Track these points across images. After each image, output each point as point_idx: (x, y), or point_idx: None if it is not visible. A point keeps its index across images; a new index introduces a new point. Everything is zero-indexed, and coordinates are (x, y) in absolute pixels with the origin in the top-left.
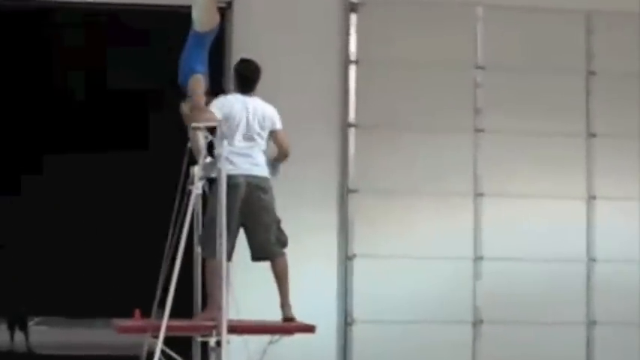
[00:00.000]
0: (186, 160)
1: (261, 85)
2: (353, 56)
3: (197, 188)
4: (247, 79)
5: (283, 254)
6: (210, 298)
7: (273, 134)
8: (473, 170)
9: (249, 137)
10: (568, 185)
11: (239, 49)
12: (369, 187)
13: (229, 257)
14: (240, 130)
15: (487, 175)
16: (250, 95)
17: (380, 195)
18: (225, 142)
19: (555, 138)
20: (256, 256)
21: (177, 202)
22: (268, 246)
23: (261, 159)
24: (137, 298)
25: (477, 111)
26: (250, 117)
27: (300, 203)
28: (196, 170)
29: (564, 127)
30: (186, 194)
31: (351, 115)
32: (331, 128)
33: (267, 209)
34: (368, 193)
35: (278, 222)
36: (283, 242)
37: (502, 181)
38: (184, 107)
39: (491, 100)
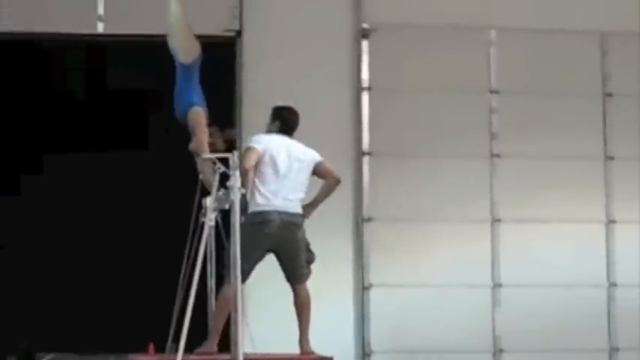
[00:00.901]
0: (199, 191)
1: None
2: (365, 83)
3: (210, 220)
4: (290, 126)
5: (308, 276)
6: (214, 329)
7: (318, 167)
8: (490, 196)
9: (284, 174)
10: (586, 209)
11: (250, 78)
12: (384, 215)
13: (243, 281)
14: (277, 166)
15: (504, 201)
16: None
17: (395, 223)
18: (238, 173)
19: (572, 161)
20: (288, 279)
21: (190, 235)
22: (297, 272)
23: (296, 196)
24: (151, 333)
25: (492, 136)
26: (288, 154)
27: (315, 233)
28: (208, 202)
29: (581, 150)
30: (198, 226)
31: (365, 143)
32: (345, 156)
33: (299, 240)
34: (383, 221)
35: (307, 244)
36: (310, 261)
37: (519, 206)
38: (191, 144)
39: (506, 124)
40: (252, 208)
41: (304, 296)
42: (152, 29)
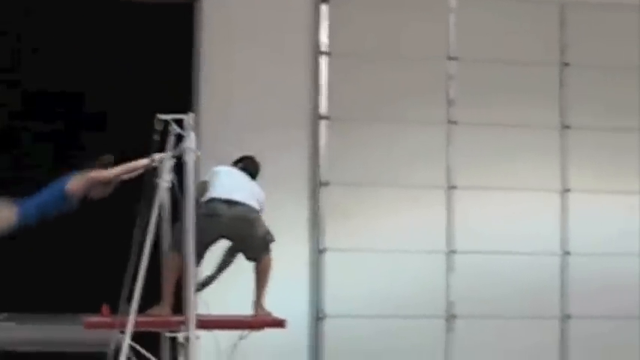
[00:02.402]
0: (153, 152)
1: (231, 79)
2: (324, 48)
3: (165, 181)
4: (250, 172)
5: (267, 254)
6: (165, 294)
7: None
8: (446, 162)
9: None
10: (542, 177)
11: (208, 43)
12: (341, 179)
13: (198, 262)
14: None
15: (460, 168)
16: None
17: (352, 188)
18: (193, 135)
19: (529, 130)
20: (247, 258)
21: (143, 196)
22: (254, 254)
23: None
24: (105, 294)
25: (449, 102)
26: (244, 182)
27: (271, 196)
28: (164, 162)
29: (538, 119)
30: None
31: (322, 107)
32: (302, 121)
33: (254, 236)
34: (339, 185)
35: (265, 234)
36: (269, 242)
37: (475, 173)
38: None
39: (464, 91)
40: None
41: (264, 265)
42: None
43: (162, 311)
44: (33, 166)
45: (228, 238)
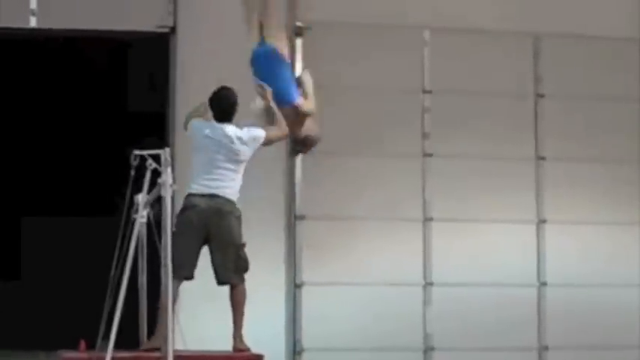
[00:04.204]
0: (129, 187)
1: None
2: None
3: (141, 217)
4: (225, 111)
5: (240, 282)
6: (158, 326)
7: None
8: (422, 195)
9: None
10: (518, 209)
11: (184, 75)
12: (317, 213)
13: (191, 275)
14: (217, 153)
15: (436, 200)
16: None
17: (328, 221)
18: (169, 170)
19: (504, 162)
20: (218, 280)
21: (121, 231)
22: (224, 272)
23: (232, 184)
24: (81, 330)
25: (424, 135)
26: (229, 142)
27: (247, 230)
28: (140, 198)
29: (513, 150)
30: (130, 223)
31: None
32: (277, 154)
33: (228, 232)
34: (315, 219)
35: (238, 247)
36: (242, 269)
37: (451, 205)
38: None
39: (439, 124)
40: None
41: (238, 296)
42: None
43: (156, 343)
44: None
45: (205, 233)
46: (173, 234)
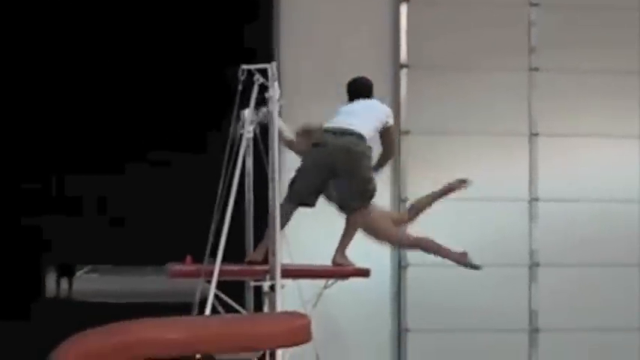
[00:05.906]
0: (236, 105)
1: (312, 27)
2: None
3: (248, 132)
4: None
5: (363, 206)
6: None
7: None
8: (528, 110)
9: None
10: (622, 124)
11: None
12: (422, 128)
13: (313, 203)
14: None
15: (542, 115)
16: None
17: (433, 136)
18: (277, 84)
19: (612, 76)
20: (340, 206)
21: (228, 148)
22: (349, 198)
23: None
24: (189, 246)
25: (531, 49)
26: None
27: None
28: (247, 114)
29: (620, 64)
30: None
31: (403, 55)
32: (382, 69)
33: (357, 170)
34: (420, 134)
35: (366, 180)
36: (369, 196)
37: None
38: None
39: (545, 38)
40: None
41: (359, 214)
42: None
43: (257, 256)
44: None
45: (331, 173)
46: (300, 165)
